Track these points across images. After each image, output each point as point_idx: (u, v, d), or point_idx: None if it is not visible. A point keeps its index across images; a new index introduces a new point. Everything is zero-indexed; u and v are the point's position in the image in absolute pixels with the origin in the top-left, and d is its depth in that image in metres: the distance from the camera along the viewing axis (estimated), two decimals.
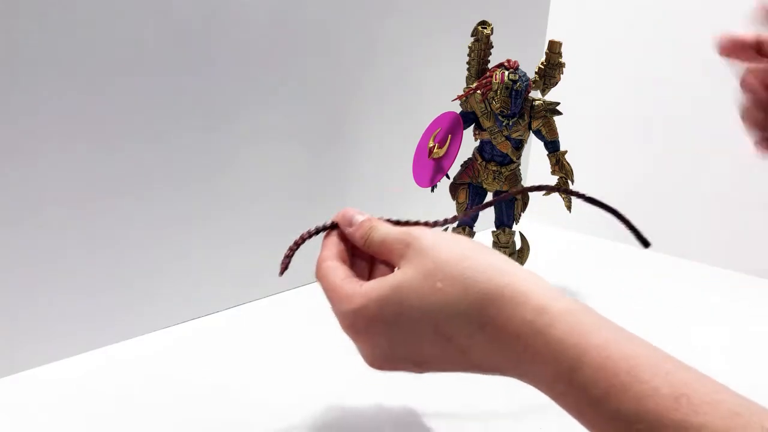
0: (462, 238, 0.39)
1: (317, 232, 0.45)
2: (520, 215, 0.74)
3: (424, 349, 0.37)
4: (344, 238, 0.44)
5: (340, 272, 0.41)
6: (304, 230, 0.46)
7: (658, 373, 0.30)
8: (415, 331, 0.37)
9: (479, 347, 0.35)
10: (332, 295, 0.40)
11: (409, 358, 0.38)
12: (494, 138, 0.69)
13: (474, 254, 0.37)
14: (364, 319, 0.38)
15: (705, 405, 0.29)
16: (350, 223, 0.44)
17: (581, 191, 0.49)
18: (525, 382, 0.35)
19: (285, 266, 0.45)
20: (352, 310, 0.38)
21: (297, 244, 0.46)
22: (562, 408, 0.34)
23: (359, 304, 0.38)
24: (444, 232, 0.40)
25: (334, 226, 0.45)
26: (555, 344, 0.33)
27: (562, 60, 0.69)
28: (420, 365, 0.39)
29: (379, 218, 0.44)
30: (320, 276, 0.42)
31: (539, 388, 0.35)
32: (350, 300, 0.39)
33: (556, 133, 0.70)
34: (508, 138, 0.69)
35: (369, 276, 0.44)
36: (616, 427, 0.30)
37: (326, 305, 0.74)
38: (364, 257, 0.44)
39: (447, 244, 0.38)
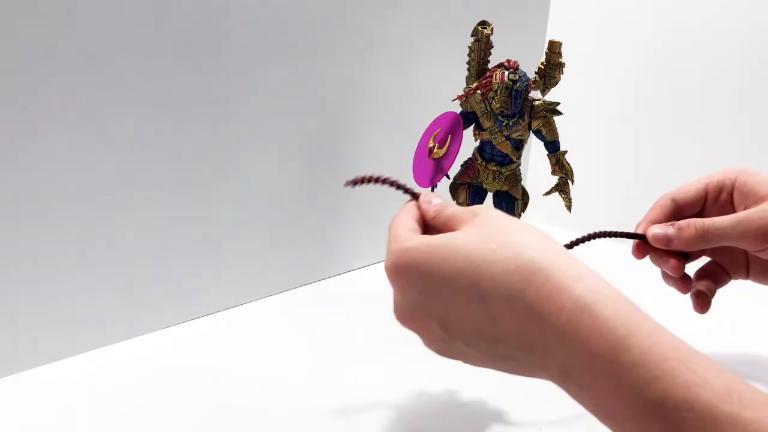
0: (529, 224, 0.40)
1: (399, 186, 0.46)
2: (520, 215, 0.74)
3: (455, 305, 0.36)
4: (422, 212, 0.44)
5: (410, 223, 0.41)
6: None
7: (708, 367, 0.30)
8: (453, 283, 0.36)
9: (514, 313, 0.35)
10: (392, 234, 0.40)
11: (436, 313, 0.38)
12: (494, 138, 0.69)
13: (536, 233, 0.38)
14: (409, 259, 0.38)
15: (755, 402, 0.29)
16: (429, 202, 0.44)
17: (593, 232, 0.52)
18: (543, 364, 0.34)
19: (355, 182, 0.45)
20: (401, 248, 0.38)
21: (374, 179, 0.45)
22: (583, 395, 0.33)
23: (410, 245, 0.38)
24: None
25: (415, 196, 0.45)
26: (603, 321, 0.32)
27: (562, 60, 0.69)
28: (444, 326, 0.38)
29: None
30: (392, 222, 0.42)
31: (559, 371, 0.34)
32: (404, 240, 0.39)
33: (556, 133, 0.70)
34: (508, 138, 0.69)
35: None
36: (660, 412, 0.30)
37: (326, 306, 0.74)
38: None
39: (514, 221, 0.39)
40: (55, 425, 0.49)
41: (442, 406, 0.54)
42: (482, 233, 0.37)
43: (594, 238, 0.51)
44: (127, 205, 0.60)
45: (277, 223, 0.73)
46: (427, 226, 0.44)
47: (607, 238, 0.52)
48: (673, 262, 0.51)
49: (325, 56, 0.73)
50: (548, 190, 0.72)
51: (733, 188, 0.54)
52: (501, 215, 0.39)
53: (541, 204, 0.77)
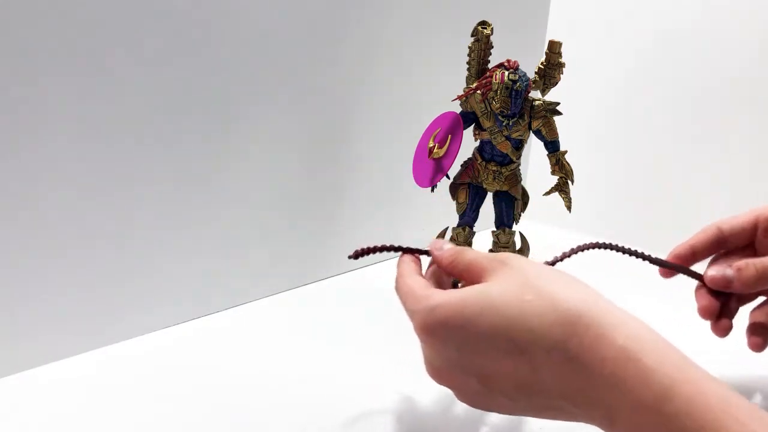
0: (561, 270, 0.39)
1: (407, 250, 0.45)
2: (520, 215, 0.74)
3: (494, 360, 0.36)
4: (418, 264, 0.44)
5: (420, 281, 0.41)
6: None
7: (755, 416, 0.30)
8: (491, 338, 0.35)
9: (555, 366, 0.34)
10: (409, 297, 0.39)
11: (474, 369, 0.37)
12: (494, 138, 0.69)
13: (570, 279, 0.37)
14: (439, 316, 0.37)
15: None
16: (440, 248, 0.43)
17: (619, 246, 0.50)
18: (588, 413, 0.34)
19: (357, 255, 0.45)
20: (429, 306, 0.37)
21: (379, 248, 0.45)
22: None
23: (438, 302, 0.37)
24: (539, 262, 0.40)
25: (424, 252, 0.45)
26: (646, 371, 0.32)
27: (562, 60, 0.69)
28: (483, 381, 0.37)
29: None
30: (399, 286, 0.41)
31: (604, 419, 0.34)
32: (428, 298, 0.38)
33: (556, 133, 0.70)
34: (508, 138, 0.69)
35: None
36: None
37: (326, 306, 0.74)
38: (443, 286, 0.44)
39: (544, 268, 0.38)
40: (55, 425, 0.49)
41: (443, 406, 0.54)
42: (516, 284, 0.36)
43: (635, 256, 0.50)
44: (126, 205, 0.60)
45: (277, 223, 0.73)
46: (437, 274, 0.43)
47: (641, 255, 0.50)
48: (714, 303, 0.49)
49: (326, 56, 0.73)
50: (548, 190, 0.72)
51: None
52: (530, 263, 0.38)
53: (541, 204, 0.77)
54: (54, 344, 0.58)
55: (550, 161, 0.71)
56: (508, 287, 0.36)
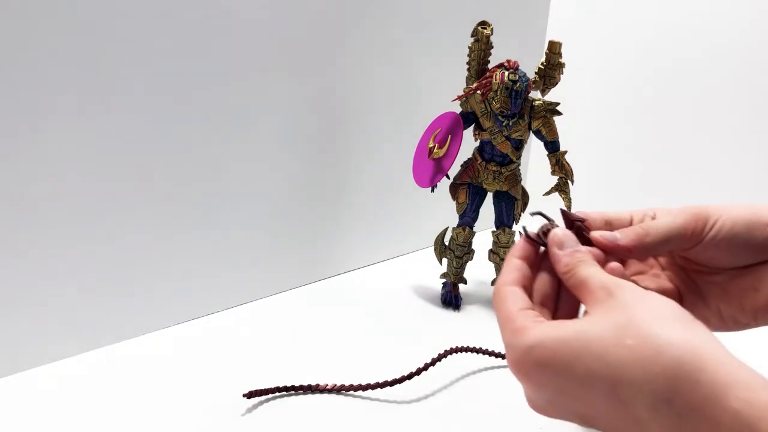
0: (672, 303, 0.34)
1: (528, 237, 0.42)
2: (520, 215, 0.74)
3: (594, 406, 0.33)
4: (531, 263, 0.40)
5: (519, 301, 0.37)
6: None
7: None
8: (589, 385, 0.33)
9: (663, 422, 0.31)
10: (506, 324, 0.36)
11: (575, 411, 0.35)
12: (494, 138, 0.69)
13: (680, 320, 0.33)
14: (534, 358, 0.34)
15: None
16: (561, 246, 0.39)
17: None
18: None
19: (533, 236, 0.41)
20: (524, 345, 0.34)
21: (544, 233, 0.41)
22: None
23: (533, 341, 0.34)
24: (651, 292, 0.36)
25: (542, 243, 0.41)
26: None
27: (562, 60, 0.69)
28: (586, 420, 0.35)
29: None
30: (497, 300, 0.38)
31: None
32: (524, 333, 0.35)
33: (556, 134, 0.70)
34: (508, 138, 0.69)
35: (554, 306, 0.40)
36: None
37: (325, 306, 0.74)
38: (553, 283, 0.40)
39: (653, 304, 0.34)
40: (55, 425, 0.49)
41: (442, 406, 0.54)
42: (616, 324, 0.33)
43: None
44: (127, 205, 0.60)
45: (277, 224, 0.73)
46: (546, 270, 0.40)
47: None
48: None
49: (325, 56, 0.73)
50: (548, 190, 0.72)
51: (654, 215, 0.49)
52: (638, 296, 0.35)
53: (541, 204, 0.77)
54: (54, 344, 0.58)
55: (550, 161, 0.71)
56: (607, 326, 0.33)
